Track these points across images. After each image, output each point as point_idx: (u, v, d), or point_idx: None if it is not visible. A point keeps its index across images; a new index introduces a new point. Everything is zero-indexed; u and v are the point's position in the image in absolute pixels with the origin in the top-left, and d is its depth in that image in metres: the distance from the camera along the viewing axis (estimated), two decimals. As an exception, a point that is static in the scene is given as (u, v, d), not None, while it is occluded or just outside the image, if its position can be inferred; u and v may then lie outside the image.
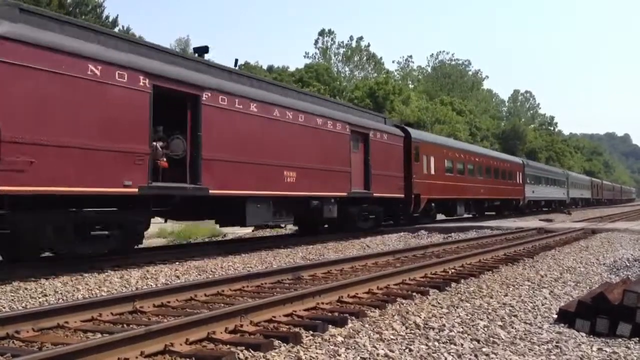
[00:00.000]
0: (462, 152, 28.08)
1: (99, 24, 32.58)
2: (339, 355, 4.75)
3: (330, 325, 5.64)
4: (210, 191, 11.88)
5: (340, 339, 5.23)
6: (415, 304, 6.99)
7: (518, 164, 37.88)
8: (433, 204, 23.68)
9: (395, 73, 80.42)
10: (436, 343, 5.18)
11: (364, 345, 5.01)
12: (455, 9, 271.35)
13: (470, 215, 30.03)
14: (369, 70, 72.81)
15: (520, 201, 36.73)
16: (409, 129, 22.67)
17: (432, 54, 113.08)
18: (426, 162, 22.83)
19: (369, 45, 73.41)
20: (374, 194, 18.53)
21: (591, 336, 5.62)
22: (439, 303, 7.02)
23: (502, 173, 33.35)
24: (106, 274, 9.64)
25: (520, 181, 37.06)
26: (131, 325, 5.70)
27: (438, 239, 17.79)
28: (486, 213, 33.46)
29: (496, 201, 32.71)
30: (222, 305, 6.73)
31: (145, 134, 10.47)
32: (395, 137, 20.81)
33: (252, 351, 4.74)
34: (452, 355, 4.84)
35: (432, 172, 23.39)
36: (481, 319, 6.16)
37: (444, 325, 5.84)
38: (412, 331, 5.60)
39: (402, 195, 20.71)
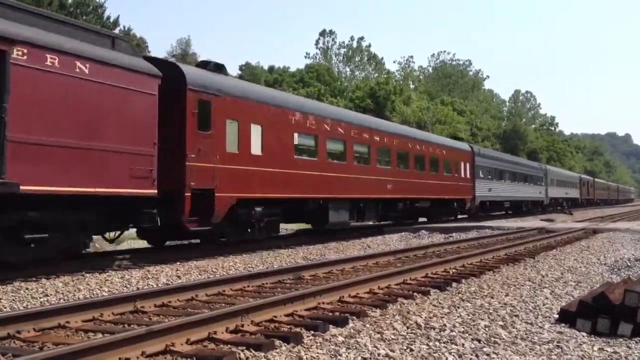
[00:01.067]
0: (342, 124, 17.25)
1: (100, 25, 32.65)
2: (340, 355, 4.75)
3: (331, 325, 5.64)
4: None
5: (341, 338, 5.23)
6: (416, 303, 6.99)
7: (463, 151, 27.74)
8: (258, 208, 13.78)
9: (396, 73, 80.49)
10: (437, 343, 5.18)
11: (365, 345, 5.01)
12: (456, 9, 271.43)
13: (359, 223, 19.85)
14: (369, 71, 72.96)
15: (467, 202, 27.20)
16: (184, 67, 12.66)
17: (433, 54, 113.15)
18: (235, 132, 13.10)
19: (369, 45, 73.63)
20: (25, 187, 8.64)
21: (592, 336, 5.62)
22: (440, 303, 7.02)
23: (434, 162, 23.77)
24: (107, 274, 9.65)
25: (468, 175, 27.31)
26: (132, 325, 5.71)
27: (439, 239, 17.78)
28: (417, 219, 24.80)
29: (422, 202, 22.84)
30: (223, 305, 6.74)
31: None
32: (129, 74, 10.52)
33: (253, 351, 4.75)
34: (453, 355, 4.83)
35: (256, 150, 13.71)
36: (482, 319, 6.16)
37: (445, 325, 5.84)
38: (413, 331, 5.60)
39: (153, 191, 10.79)
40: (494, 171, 31.57)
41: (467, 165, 27.56)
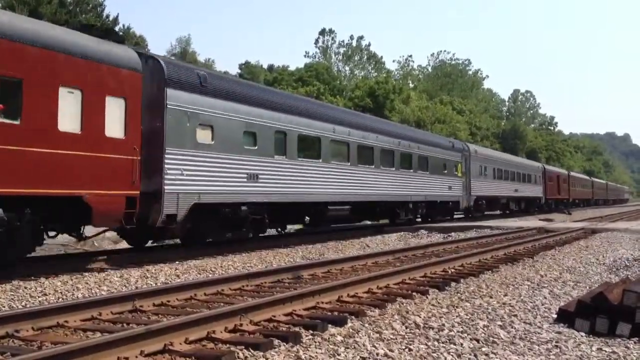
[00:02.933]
0: None
1: (99, 23, 32.60)
2: (339, 354, 4.75)
3: (330, 325, 5.64)
4: None
5: (339, 338, 5.23)
6: (415, 303, 6.99)
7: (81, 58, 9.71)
8: None
9: (396, 72, 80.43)
10: (436, 343, 5.18)
11: (364, 345, 5.01)
12: (456, 8, 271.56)
13: None
14: (369, 70, 72.77)
15: (98, 209, 9.70)
16: None
17: (433, 53, 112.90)
18: None
19: (369, 44, 73.42)
20: None
21: (591, 336, 5.63)
22: (438, 303, 7.02)
23: None
24: (106, 273, 9.64)
25: (121, 132, 10.39)
26: (131, 325, 5.71)
27: (438, 238, 17.78)
28: None
29: None
30: (222, 304, 6.74)
31: None
32: None
33: (251, 350, 4.75)
34: (452, 355, 4.84)
35: None
36: (481, 319, 6.16)
37: (443, 324, 5.84)
38: (412, 331, 5.61)
39: None
40: (270, 138, 14.22)
41: (124, 107, 10.56)
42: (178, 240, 14.33)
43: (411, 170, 21.92)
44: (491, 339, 5.38)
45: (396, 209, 21.11)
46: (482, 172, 29.32)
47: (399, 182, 20.77)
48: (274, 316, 5.92)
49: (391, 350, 4.89)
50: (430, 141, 24.83)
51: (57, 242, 18.01)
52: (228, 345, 4.92)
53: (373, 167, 19.08)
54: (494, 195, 30.99)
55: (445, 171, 25.04)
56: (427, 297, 7.40)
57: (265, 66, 72.69)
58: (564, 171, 53.63)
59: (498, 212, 33.95)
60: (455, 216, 27.67)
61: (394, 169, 20.51)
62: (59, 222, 9.99)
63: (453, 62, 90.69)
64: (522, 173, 36.80)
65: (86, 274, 9.48)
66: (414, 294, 7.52)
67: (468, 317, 6.26)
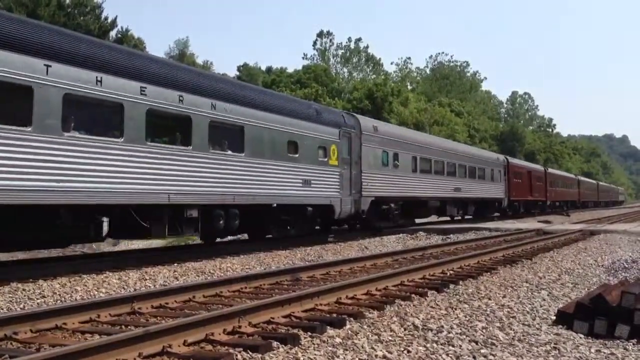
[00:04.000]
0: None
1: (97, 25, 32.63)
2: (337, 356, 4.75)
3: (328, 327, 5.64)
4: None
5: (338, 340, 5.23)
6: (413, 305, 6.99)
7: None
8: None
9: (394, 74, 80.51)
10: (434, 344, 5.18)
11: (362, 347, 5.01)
12: (454, 10, 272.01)
13: None
14: (367, 72, 72.88)
15: None
16: None
17: (431, 55, 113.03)
18: None
19: (367, 46, 73.59)
20: None
21: (589, 338, 5.63)
22: (437, 304, 7.02)
23: None
24: (104, 275, 9.62)
25: None
26: (129, 327, 5.69)
27: (436, 240, 17.78)
28: None
29: None
30: (221, 306, 6.73)
31: None
32: None
33: (250, 352, 4.74)
34: (450, 357, 4.84)
35: None
36: (479, 321, 6.16)
37: (442, 326, 5.84)
38: (411, 332, 5.60)
39: None
40: None
41: None
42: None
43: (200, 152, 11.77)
44: (490, 340, 5.38)
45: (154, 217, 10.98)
46: (388, 162, 19.32)
47: (152, 170, 10.68)
48: (273, 318, 5.92)
49: (390, 352, 4.88)
50: (252, 100, 13.64)
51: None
52: (226, 347, 4.92)
53: (121, 140, 10.11)
54: (412, 197, 20.88)
55: (297, 155, 14.98)
56: (425, 299, 7.40)
57: (263, 68, 72.81)
58: (539, 167, 43.92)
59: (431, 218, 24.01)
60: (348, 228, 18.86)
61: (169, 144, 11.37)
62: None
63: (451, 64, 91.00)
64: (468, 166, 26.45)
65: (84, 276, 9.47)
66: (412, 295, 7.52)
67: (467, 318, 6.26)
